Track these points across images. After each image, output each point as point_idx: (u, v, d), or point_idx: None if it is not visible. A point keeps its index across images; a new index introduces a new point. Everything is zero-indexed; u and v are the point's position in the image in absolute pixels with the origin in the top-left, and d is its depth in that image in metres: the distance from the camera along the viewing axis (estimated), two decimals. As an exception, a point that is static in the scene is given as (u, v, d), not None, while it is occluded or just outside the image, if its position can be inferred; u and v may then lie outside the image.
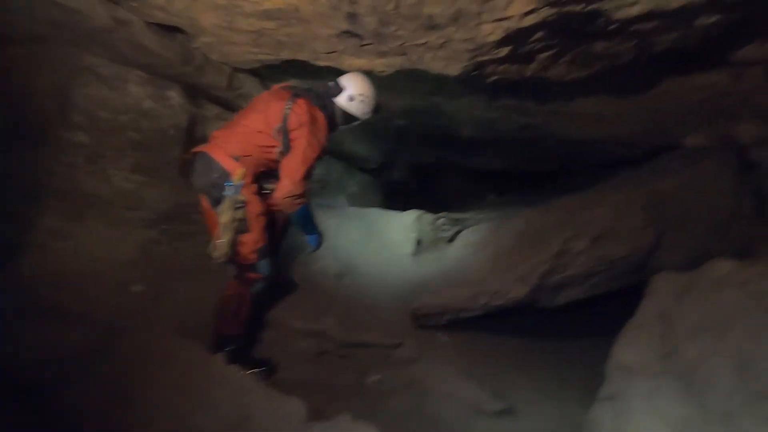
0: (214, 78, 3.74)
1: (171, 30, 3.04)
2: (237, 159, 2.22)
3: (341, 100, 2.42)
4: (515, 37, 1.99)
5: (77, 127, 2.77)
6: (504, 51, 2.18)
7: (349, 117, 2.48)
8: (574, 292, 3.00)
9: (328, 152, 2.61)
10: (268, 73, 4.04)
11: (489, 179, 8.51)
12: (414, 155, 6.94)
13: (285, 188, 2.23)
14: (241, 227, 2.24)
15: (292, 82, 2.60)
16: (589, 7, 1.69)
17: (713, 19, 1.82)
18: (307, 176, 2.27)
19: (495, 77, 2.63)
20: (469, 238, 3.76)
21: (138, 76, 3.06)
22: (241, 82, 4.00)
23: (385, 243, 4.50)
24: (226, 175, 2.20)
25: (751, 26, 2.22)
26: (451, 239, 4.35)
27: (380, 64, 2.54)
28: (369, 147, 6.12)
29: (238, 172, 2.19)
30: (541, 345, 3.34)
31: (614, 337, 2.59)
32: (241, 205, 2.21)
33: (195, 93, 3.78)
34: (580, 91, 3.98)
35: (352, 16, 2.07)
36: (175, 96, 3.30)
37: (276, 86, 2.53)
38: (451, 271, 3.55)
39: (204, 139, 3.89)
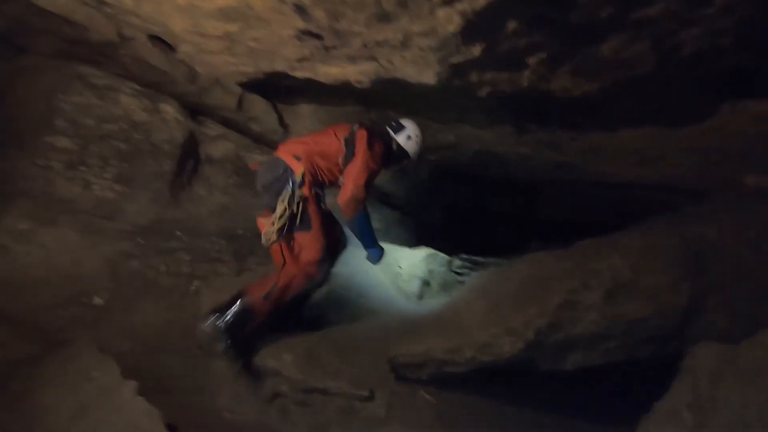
0: (223, 99, 3.74)
1: (172, 49, 3.07)
2: (298, 159, 2.40)
3: (401, 138, 2.68)
4: (479, 27, 1.66)
5: (60, 132, 2.79)
6: (477, 49, 1.84)
7: (402, 154, 2.73)
8: (583, 357, 2.39)
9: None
10: (278, 97, 4.01)
11: (535, 228, 7.90)
12: (446, 195, 6.61)
13: (349, 191, 2.41)
14: (301, 226, 2.38)
15: None
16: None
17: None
18: (368, 184, 2.46)
19: (487, 89, 2.28)
20: (474, 282, 3.27)
21: (131, 88, 3.09)
22: (251, 105, 3.98)
23: (387, 279, 4.10)
24: (289, 171, 2.37)
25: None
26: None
27: (354, 72, 2.31)
28: (393, 182, 5.85)
29: (299, 170, 2.37)
30: (545, 420, 2.68)
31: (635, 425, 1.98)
32: (300, 200, 2.34)
33: (200, 112, 3.81)
34: (614, 122, 3.48)
35: (301, 10, 1.87)
36: (170, 110, 3.30)
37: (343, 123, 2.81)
38: (446, 318, 3.05)
39: (207, 158, 3.91)
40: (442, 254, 4.55)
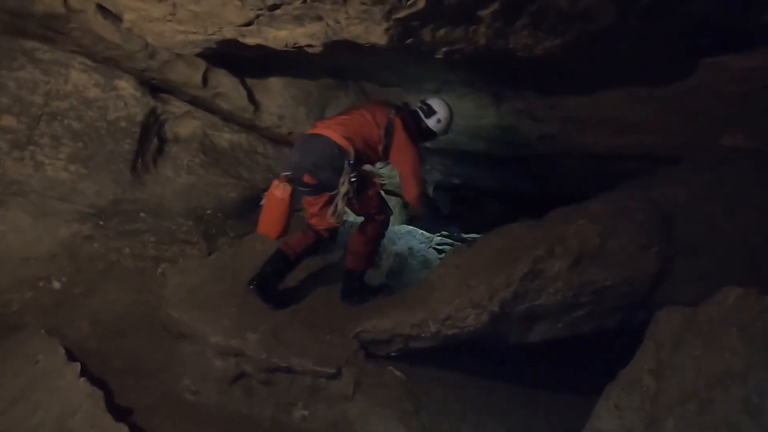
0: (186, 74, 3.58)
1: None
2: (348, 140, 2.52)
3: (431, 122, 2.83)
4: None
5: (4, 110, 2.67)
6: (420, 1, 1.70)
7: (430, 135, 2.90)
8: (550, 328, 2.31)
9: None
10: (247, 72, 3.85)
11: (526, 205, 7.83)
12: (439, 174, 6.50)
13: (414, 188, 2.68)
14: (360, 190, 2.59)
15: None
16: None
17: None
18: (421, 173, 2.76)
19: (444, 48, 2.15)
20: (450, 256, 3.17)
21: (83, 64, 2.95)
22: (218, 81, 3.83)
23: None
24: (343, 152, 2.48)
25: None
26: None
27: (303, 35, 2.18)
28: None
29: (351, 150, 2.50)
30: (516, 392, 2.63)
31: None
32: (355, 177, 2.53)
33: (164, 89, 3.66)
34: (590, 87, 3.35)
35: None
36: (125, 86, 3.16)
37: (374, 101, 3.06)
38: (418, 293, 2.97)
39: (173, 137, 3.77)
40: (422, 231, 4.47)
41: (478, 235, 4.88)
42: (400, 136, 2.58)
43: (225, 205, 3.73)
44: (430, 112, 2.81)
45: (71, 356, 2.14)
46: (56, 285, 2.74)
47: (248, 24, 2.24)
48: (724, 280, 2.05)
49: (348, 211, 2.75)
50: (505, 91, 3.85)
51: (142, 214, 3.29)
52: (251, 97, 4.03)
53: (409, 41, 2.05)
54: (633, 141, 3.93)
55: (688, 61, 2.74)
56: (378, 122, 2.61)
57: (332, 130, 2.53)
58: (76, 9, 2.90)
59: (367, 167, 2.76)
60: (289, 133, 4.32)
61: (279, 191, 2.54)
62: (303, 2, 1.87)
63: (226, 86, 3.86)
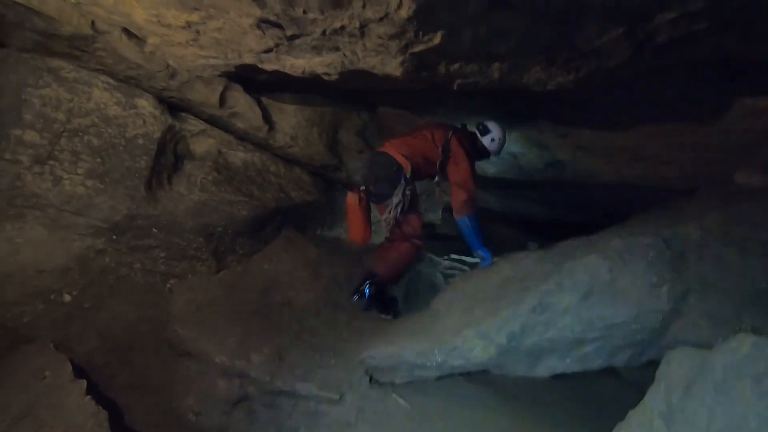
0: (204, 94, 3.67)
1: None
2: (406, 158, 2.85)
3: (486, 140, 3.13)
4: (434, 12, 1.56)
5: (28, 126, 2.75)
6: (437, 37, 1.74)
7: (485, 153, 3.20)
8: (558, 363, 2.27)
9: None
10: (262, 92, 3.94)
11: (536, 229, 7.80)
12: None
13: (462, 195, 2.88)
14: (410, 208, 2.90)
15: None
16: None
17: None
18: (474, 188, 2.96)
19: (458, 81, 2.18)
20: (457, 283, 3.16)
21: (105, 82, 3.04)
22: (235, 101, 3.91)
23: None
24: (401, 168, 2.83)
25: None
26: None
27: (320, 64, 2.23)
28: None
29: (408, 168, 2.83)
30: (521, 426, 2.57)
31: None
32: (409, 192, 2.85)
33: (182, 108, 3.75)
34: (603, 118, 3.36)
35: (253, -5, 1.79)
36: (145, 105, 3.24)
37: (435, 120, 3.31)
38: (423, 320, 2.95)
39: (188, 154, 3.85)
40: (430, 254, 4.45)
41: (480, 250, 4.85)
42: (456, 153, 2.90)
43: (236, 223, 3.77)
44: (486, 132, 3.13)
45: (78, 372, 2.15)
46: (67, 298, 2.77)
47: (267, 51, 2.30)
48: (736, 322, 2.03)
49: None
50: (517, 119, 3.88)
51: (154, 230, 3.33)
52: (266, 117, 4.11)
53: (423, 73, 2.09)
54: (645, 172, 3.92)
55: (703, 96, 2.74)
56: (437, 142, 2.93)
57: (395, 149, 2.89)
58: (103, 30, 3.01)
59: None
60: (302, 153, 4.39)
61: (353, 198, 2.92)
62: (322, 34, 1.92)
63: (242, 106, 3.95)
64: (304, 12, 1.79)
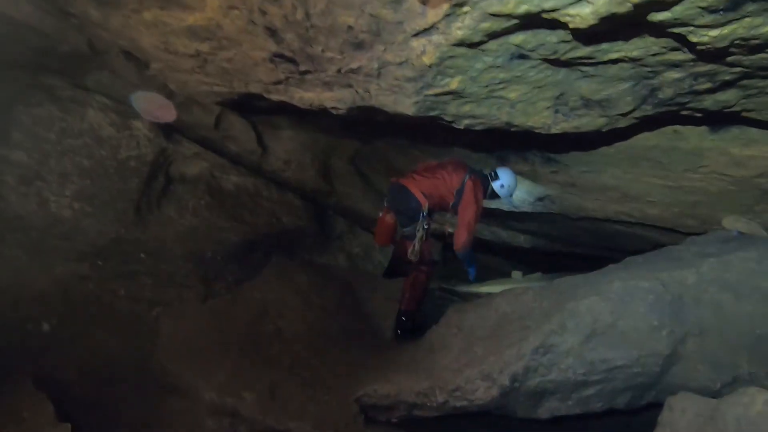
0: (201, 116, 3.63)
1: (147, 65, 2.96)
2: (425, 195, 3.20)
3: (496, 186, 3.46)
4: (455, 59, 1.59)
5: (16, 145, 2.63)
6: (454, 82, 1.77)
7: (494, 196, 3.53)
8: (559, 405, 2.26)
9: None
10: (258, 115, 3.91)
11: (520, 257, 7.86)
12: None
13: (464, 235, 3.25)
14: (424, 238, 3.25)
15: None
16: (523, 8, 1.26)
17: (709, 34, 1.25)
18: (475, 229, 3.33)
19: (466, 121, 2.21)
20: (451, 316, 3.13)
21: (101, 103, 2.95)
22: (230, 124, 3.87)
23: (362, 313, 3.94)
24: (419, 205, 3.18)
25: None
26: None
27: (330, 99, 2.22)
28: (374, 206, 5.76)
29: (426, 205, 3.18)
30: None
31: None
32: (427, 226, 3.22)
33: (176, 129, 3.68)
34: (596, 158, 3.46)
35: (272, 32, 1.79)
36: (140, 127, 3.16)
37: (454, 159, 3.63)
38: (420, 356, 2.90)
39: (180, 177, 3.75)
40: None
41: (476, 289, 4.87)
42: (468, 195, 3.24)
43: (226, 249, 3.67)
44: (496, 178, 3.47)
45: (60, 412, 2.00)
46: (46, 327, 2.62)
47: (276, 83, 2.29)
48: (734, 367, 2.08)
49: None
50: (510, 155, 3.96)
51: (141, 255, 3.21)
52: (260, 141, 4.08)
53: (434, 113, 2.11)
54: (632, 210, 4.04)
55: (693, 144, 2.86)
56: (454, 182, 3.28)
57: (415, 186, 3.23)
58: (101, 50, 2.95)
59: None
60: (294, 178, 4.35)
61: (389, 218, 3.38)
62: (337, 72, 1.93)
63: (237, 129, 3.91)
64: (323, 51, 1.79)
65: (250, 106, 3.62)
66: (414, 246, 3.19)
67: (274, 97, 2.47)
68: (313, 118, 4.09)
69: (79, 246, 2.87)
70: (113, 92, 3.22)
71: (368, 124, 4.20)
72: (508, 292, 2.99)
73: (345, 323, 3.67)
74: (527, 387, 2.23)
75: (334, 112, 2.35)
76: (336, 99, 2.21)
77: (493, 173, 3.51)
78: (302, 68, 2.02)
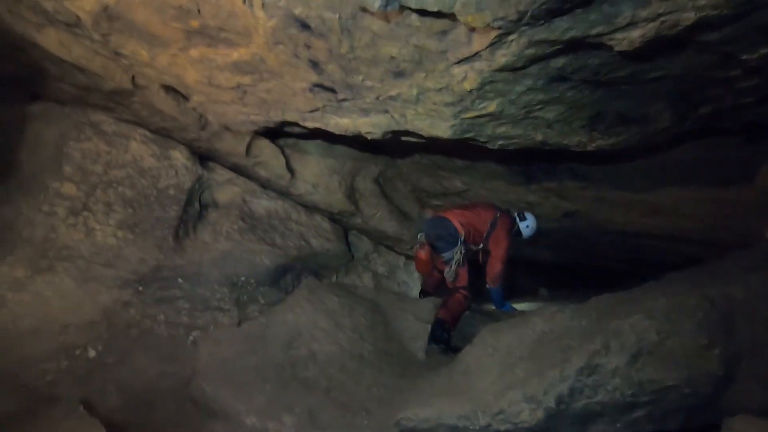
0: (233, 144, 3.74)
1: (185, 97, 3.10)
2: (462, 225, 3.60)
3: (522, 225, 3.90)
4: (496, 84, 1.63)
5: (67, 178, 2.77)
6: (492, 106, 1.81)
7: (518, 234, 3.93)
8: (608, 428, 2.20)
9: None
10: (286, 140, 4.03)
11: (544, 273, 7.76)
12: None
13: (497, 267, 3.67)
14: (461, 264, 3.59)
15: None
16: (570, 34, 1.30)
17: (760, 52, 1.28)
18: (506, 262, 3.71)
19: (500, 142, 2.25)
20: (485, 336, 3.09)
21: (142, 135, 3.09)
22: (260, 150, 3.99)
23: (393, 333, 3.93)
24: (457, 233, 3.57)
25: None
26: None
27: (365, 124, 2.29)
28: (399, 226, 5.79)
29: (462, 233, 3.57)
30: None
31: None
32: (464, 251, 3.56)
33: (209, 157, 3.81)
34: (626, 174, 3.44)
35: (315, 65, 1.86)
36: (179, 156, 3.29)
37: (484, 201, 4.16)
38: (456, 378, 2.87)
39: (213, 203, 3.86)
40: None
41: (504, 308, 4.80)
42: (499, 231, 3.66)
43: (258, 272, 3.73)
44: (523, 219, 3.93)
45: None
46: (92, 353, 2.69)
47: (313, 111, 2.37)
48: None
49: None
50: (537, 172, 3.97)
51: (179, 281, 3.29)
52: (288, 165, 4.17)
53: (469, 135, 2.15)
54: (662, 223, 3.98)
55: (727, 155, 2.83)
56: (486, 218, 3.70)
57: (455, 217, 3.64)
58: (142, 85, 3.10)
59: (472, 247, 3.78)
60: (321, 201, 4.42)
61: (423, 253, 3.72)
62: (375, 99, 1.99)
63: (267, 155, 4.01)
64: (363, 80, 1.86)
65: (281, 133, 3.73)
66: (451, 266, 3.53)
67: (309, 124, 2.55)
68: (341, 141, 4.19)
69: (122, 273, 2.96)
70: (150, 123, 3.37)
71: (394, 146, 4.29)
72: (543, 310, 2.95)
73: (377, 344, 3.65)
74: (574, 409, 2.18)
75: (368, 136, 2.40)
76: (372, 124, 2.27)
77: (521, 214, 3.99)
78: (340, 96, 2.09)
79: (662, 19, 1.17)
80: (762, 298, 2.12)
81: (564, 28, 1.28)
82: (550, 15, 1.23)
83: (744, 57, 1.29)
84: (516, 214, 3.98)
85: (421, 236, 3.87)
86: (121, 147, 2.96)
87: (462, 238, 3.56)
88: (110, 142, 2.92)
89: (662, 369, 2.08)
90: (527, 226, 3.93)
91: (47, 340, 2.59)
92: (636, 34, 1.23)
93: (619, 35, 1.25)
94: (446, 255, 3.61)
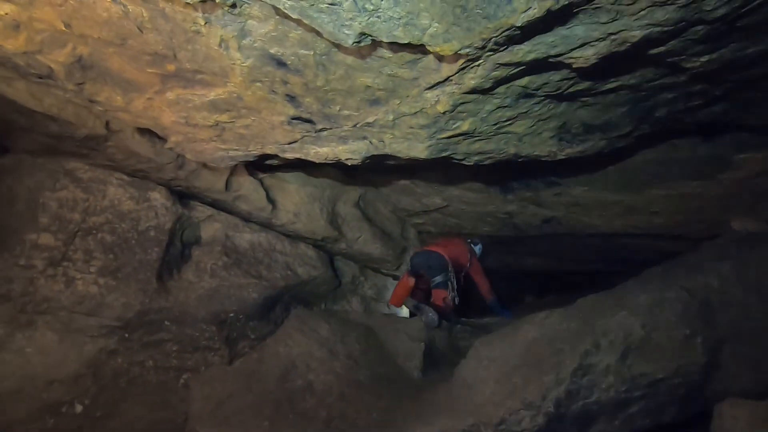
0: (212, 180, 3.74)
1: (162, 138, 3.10)
2: (449, 258, 4.18)
3: (476, 248, 4.73)
4: (467, 105, 1.72)
5: (43, 229, 2.71)
6: (465, 125, 1.90)
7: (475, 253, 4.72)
8: (607, 427, 2.24)
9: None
10: (265, 172, 4.05)
11: (530, 281, 7.88)
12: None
13: (486, 284, 4.49)
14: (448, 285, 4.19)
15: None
16: (531, 56, 1.40)
17: (701, 60, 1.42)
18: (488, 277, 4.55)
19: (475, 158, 2.33)
20: (479, 349, 3.12)
21: (119, 179, 3.07)
22: (240, 184, 3.99)
23: (387, 356, 3.91)
24: (446, 265, 4.16)
25: None
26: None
27: (345, 151, 2.35)
28: (384, 247, 5.81)
29: (450, 265, 4.14)
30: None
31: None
32: (454, 279, 4.18)
33: (188, 195, 3.79)
34: (596, 178, 3.60)
35: (292, 99, 1.92)
36: (158, 197, 3.27)
37: (456, 236, 4.92)
38: (456, 393, 2.88)
39: (195, 241, 3.83)
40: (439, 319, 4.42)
41: (496, 320, 4.86)
42: (475, 260, 4.51)
43: (246, 307, 3.69)
44: (476, 244, 4.77)
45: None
46: (79, 409, 2.59)
47: (292, 143, 2.41)
48: (774, 368, 2.09)
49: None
50: (512, 183, 4.10)
51: (166, 323, 3.22)
52: (269, 197, 4.18)
53: (445, 154, 2.23)
54: (637, 222, 4.14)
55: (687, 152, 3.00)
56: (464, 251, 4.42)
57: (442, 250, 4.25)
58: (116, 130, 3.10)
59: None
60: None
61: (410, 282, 4.33)
62: (353, 126, 2.06)
63: (247, 188, 4.02)
64: (340, 110, 1.92)
65: (260, 165, 3.76)
66: (449, 291, 4.21)
67: (289, 155, 2.59)
68: (320, 169, 4.24)
69: (107, 321, 2.88)
70: (126, 166, 3.35)
71: (373, 169, 4.36)
72: (532, 317, 3.01)
73: (372, 368, 3.64)
74: (572, 412, 2.23)
75: (348, 162, 2.46)
76: (351, 151, 2.33)
77: (474, 241, 4.89)
78: (319, 127, 2.15)
79: (612, 37, 1.28)
80: (735, 284, 2.24)
81: (525, 51, 1.38)
82: (511, 42, 1.33)
83: (688, 66, 1.42)
84: (470, 242, 4.87)
85: (407, 266, 4.58)
86: (99, 193, 2.93)
87: (450, 268, 4.27)
88: (87, 189, 2.89)
89: (651, 362, 2.16)
90: (479, 247, 4.87)
91: (31, 399, 2.48)
92: (590, 53, 1.34)
93: (576, 54, 1.36)
94: (438, 280, 4.26)
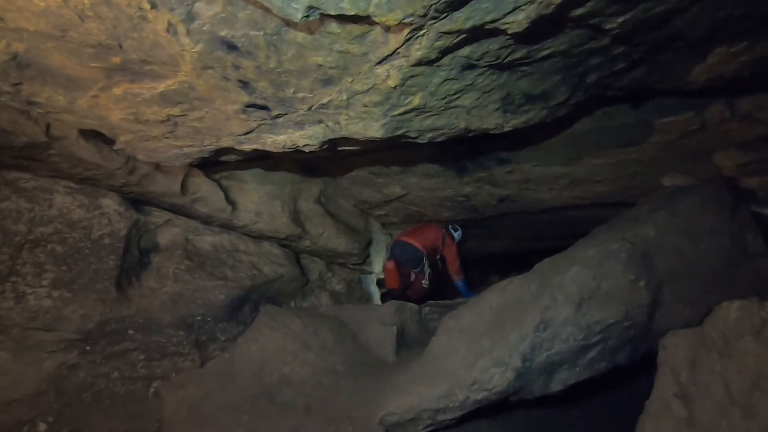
0: (166, 184, 3.64)
1: (109, 141, 3.00)
2: (424, 247, 4.65)
3: (456, 234, 5.10)
4: (416, 79, 1.82)
5: (-14, 244, 2.55)
6: (416, 99, 2.00)
7: (454, 238, 5.12)
8: (569, 374, 2.41)
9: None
10: (222, 172, 4.00)
11: (494, 265, 8.15)
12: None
13: (456, 264, 4.88)
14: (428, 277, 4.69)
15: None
16: (470, 23, 1.51)
17: (617, 20, 1.58)
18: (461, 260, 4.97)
19: (429, 135, 2.44)
20: (448, 323, 3.24)
21: (67, 187, 2.94)
22: (197, 187, 3.91)
23: (360, 343, 3.97)
24: (422, 255, 4.62)
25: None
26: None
27: (302, 137, 2.38)
28: (348, 241, 5.86)
29: (425, 253, 4.61)
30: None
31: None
32: (429, 270, 4.68)
33: (144, 201, 3.67)
34: (540, 151, 3.83)
35: (245, 85, 1.94)
36: (110, 204, 3.16)
37: (433, 222, 5.21)
38: (428, 364, 2.98)
39: (154, 247, 3.72)
40: (410, 304, 4.53)
41: (461, 301, 5.03)
42: (449, 242, 4.88)
43: (214, 309, 3.63)
44: (456, 230, 5.10)
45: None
46: (42, 427, 2.47)
47: (248, 133, 2.42)
48: (708, 301, 2.34)
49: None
50: (467, 165, 4.27)
51: (130, 332, 3.12)
52: (228, 198, 4.13)
53: (400, 132, 2.32)
54: (583, 192, 4.43)
55: (620, 119, 3.27)
56: (438, 235, 4.82)
57: (416, 241, 4.67)
58: (58, 136, 2.97)
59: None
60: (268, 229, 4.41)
61: (390, 265, 4.72)
62: (308, 110, 2.10)
63: (205, 191, 3.95)
64: (294, 92, 1.97)
65: (216, 165, 3.70)
66: (426, 278, 4.70)
67: (246, 147, 2.59)
68: (278, 164, 4.23)
69: (65, 334, 2.76)
70: (73, 175, 3.21)
71: (331, 162, 4.40)
72: (495, 286, 3.17)
73: (347, 357, 3.68)
74: (538, 364, 2.38)
75: (306, 149, 2.50)
76: (308, 136, 2.36)
77: (454, 227, 5.19)
78: (274, 113, 2.18)
79: (539, 0, 1.41)
80: (669, 231, 2.47)
81: (464, 18, 1.49)
82: (450, 8, 1.43)
83: (607, 27, 1.58)
84: (452, 227, 5.19)
85: (387, 256, 4.98)
86: (45, 202, 2.80)
87: (425, 257, 4.66)
88: (31, 198, 2.75)
89: (604, 309, 2.35)
90: (458, 233, 5.18)
91: (-12, 422, 2.34)
92: (522, 17, 1.46)
93: (509, 18, 1.49)
94: (416, 270, 4.72)
